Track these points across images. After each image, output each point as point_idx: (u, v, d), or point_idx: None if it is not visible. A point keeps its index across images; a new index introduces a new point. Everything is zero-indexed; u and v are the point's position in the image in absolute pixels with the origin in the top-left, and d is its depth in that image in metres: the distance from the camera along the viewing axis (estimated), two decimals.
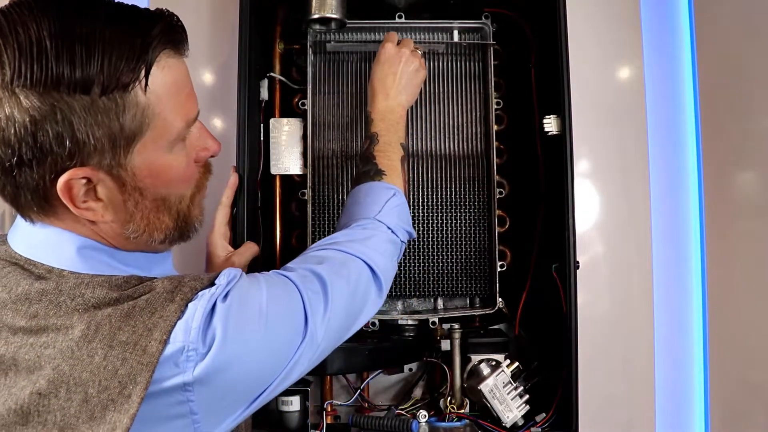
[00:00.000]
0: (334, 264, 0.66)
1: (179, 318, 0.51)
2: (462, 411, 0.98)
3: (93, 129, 0.50)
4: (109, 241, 0.59)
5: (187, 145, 0.60)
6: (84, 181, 0.53)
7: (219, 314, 0.52)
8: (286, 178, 1.03)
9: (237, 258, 0.87)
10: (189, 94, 0.58)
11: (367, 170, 0.83)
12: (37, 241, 0.57)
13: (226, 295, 0.54)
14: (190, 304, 0.52)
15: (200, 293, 0.54)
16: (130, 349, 0.49)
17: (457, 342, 0.99)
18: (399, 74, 0.89)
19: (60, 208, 0.55)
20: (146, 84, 0.52)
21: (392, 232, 0.76)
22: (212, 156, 0.65)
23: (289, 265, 0.67)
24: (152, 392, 0.49)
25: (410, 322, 1.00)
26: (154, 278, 0.56)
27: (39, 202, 0.54)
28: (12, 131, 0.49)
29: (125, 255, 0.60)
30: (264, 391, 0.57)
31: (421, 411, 0.96)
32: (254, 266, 0.90)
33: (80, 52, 0.49)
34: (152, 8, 0.56)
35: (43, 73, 0.48)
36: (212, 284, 0.55)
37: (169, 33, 0.54)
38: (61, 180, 0.51)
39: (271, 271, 0.64)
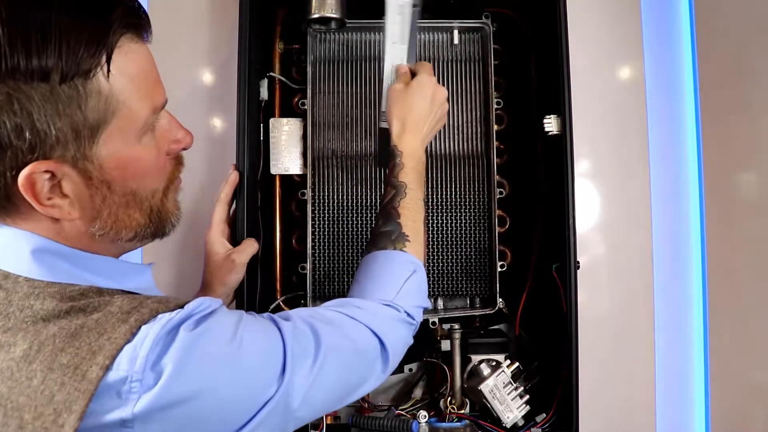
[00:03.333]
0: (340, 331, 0.61)
1: (128, 341, 0.46)
2: (462, 411, 0.98)
3: (54, 119, 0.47)
4: (71, 241, 0.54)
5: (157, 136, 0.57)
6: (48, 175, 0.49)
7: (179, 344, 0.47)
8: (286, 178, 1.03)
9: (237, 256, 0.84)
10: (155, 81, 0.55)
11: (389, 231, 0.74)
12: None
13: (196, 324, 0.49)
14: (143, 327, 0.47)
15: (159, 316, 0.49)
16: (69, 373, 0.45)
17: (457, 342, 0.99)
18: (434, 114, 0.81)
19: (23, 206, 0.51)
20: (108, 69, 0.49)
21: (408, 315, 0.69)
22: (184, 149, 0.61)
23: (289, 312, 0.61)
24: (89, 426, 0.45)
25: None
26: (116, 293, 0.53)
27: (1, 202, 0.51)
28: None
29: (88, 260, 0.55)
30: None
31: (421, 411, 0.95)
32: (254, 266, 0.90)
33: (36, 39, 0.46)
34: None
35: None
36: (177, 308, 0.50)
37: (129, 17, 0.51)
38: (23, 175, 0.48)
39: (265, 314, 0.59)
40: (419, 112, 0.79)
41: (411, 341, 0.70)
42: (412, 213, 0.75)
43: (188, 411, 0.48)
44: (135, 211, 0.56)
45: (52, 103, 0.47)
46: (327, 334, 0.58)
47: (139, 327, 0.47)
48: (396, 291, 0.69)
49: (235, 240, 0.90)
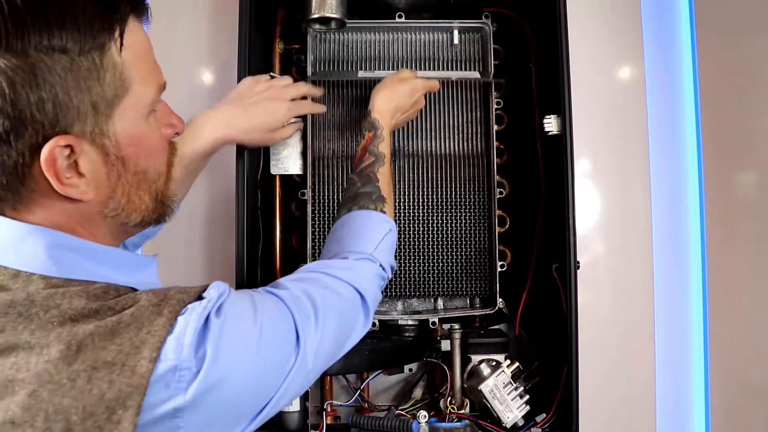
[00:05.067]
0: (328, 289, 0.65)
1: (169, 333, 0.48)
2: (462, 411, 0.98)
3: (75, 92, 0.48)
4: (81, 225, 0.54)
5: (157, 119, 0.58)
6: (67, 152, 0.49)
7: (213, 330, 0.50)
8: (286, 178, 1.03)
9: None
10: (155, 63, 0.57)
11: (368, 192, 0.80)
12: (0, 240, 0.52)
13: (219, 310, 0.51)
14: (179, 318, 0.49)
15: (189, 306, 0.51)
16: (117, 371, 0.46)
17: (457, 342, 0.99)
18: (408, 113, 0.93)
19: (38, 189, 0.50)
20: (121, 44, 0.51)
21: (383, 269, 0.76)
22: (177, 134, 0.63)
23: (281, 281, 0.64)
24: (143, 421, 0.46)
25: (410, 322, 1.00)
26: (135, 290, 0.53)
27: (14, 186, 0.49)
28: None
29: (102, 253, 0.55)
30: (254, 418, 0.55)
31: (421, 411, 0.95)
32: (254, 266, 0.90)
33: (53, 13, 0.47)
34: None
35: (18, 34, 0.46)
36: (200, 298, 0.52)
37: None
38: (46, 149, 0.48)
39: (261, 288, 0.61)
40: (401, 104, 0.91)
41: (381, 297, 0.76)
42: (387, 180, 0.83)
43: (225, 392, 0.50)
44: (144, 193, 0.57)
45: (72, 75, 0.48)
46: (319, 296, 0.62)
47: (176, 318, 0.49)
48: (374, 246, 0.76)
49: (236, 240, 0.90)
